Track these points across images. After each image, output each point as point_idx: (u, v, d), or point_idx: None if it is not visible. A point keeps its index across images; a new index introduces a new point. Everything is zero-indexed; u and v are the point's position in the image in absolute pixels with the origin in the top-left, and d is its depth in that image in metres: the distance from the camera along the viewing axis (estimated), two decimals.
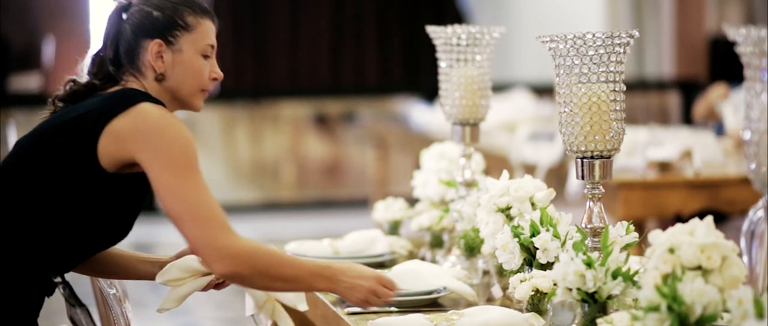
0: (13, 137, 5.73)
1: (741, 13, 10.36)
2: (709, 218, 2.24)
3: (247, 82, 12.96)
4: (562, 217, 2.73)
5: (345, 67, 13.21)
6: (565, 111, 2.56)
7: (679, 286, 2.06)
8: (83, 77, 2.75)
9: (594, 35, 2.51)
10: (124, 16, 2.71)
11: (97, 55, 2.73)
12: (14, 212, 2.59)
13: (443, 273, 2.88)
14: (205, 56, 2.74)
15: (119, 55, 2.71)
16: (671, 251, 2.20)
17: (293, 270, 2.57)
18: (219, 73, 2.77)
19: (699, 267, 2.19)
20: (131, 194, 2.65)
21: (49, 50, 12.35)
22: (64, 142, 2.59)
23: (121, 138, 2.56)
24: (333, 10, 13.09)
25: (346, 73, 13.21)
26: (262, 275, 2.54)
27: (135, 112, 2.57)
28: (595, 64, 2.52)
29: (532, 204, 2.86)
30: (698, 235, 2.21)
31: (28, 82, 12.28)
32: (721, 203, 4.87)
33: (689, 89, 9.90)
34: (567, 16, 11.82)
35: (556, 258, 2.60)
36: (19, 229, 2.58)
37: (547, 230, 2.69)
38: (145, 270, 2.86)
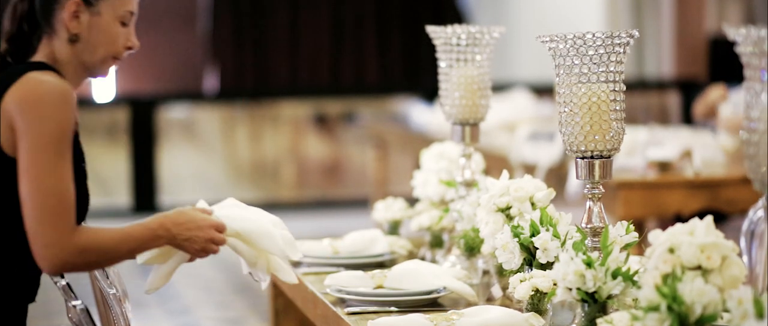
0: None
1: (741, 13, 10.37)
2: (709, 218, 2.24)
3: (247, 82, 12.97)
4: (561, 217, 2.73)
5: (345, 67, 13.21)
6: (565, 111, 2.56)
7: (679, 286, 2.06)
8: None
9: (594, 35, 2.51)
10: None
11: (12, 6, 2.60)
12: None
13: (443, 273, 2.88)
14: (123, 24, 2.61)
15: (34, 9, 2.58)
16: (671, 251, 2.20)
17: (129, 244, 2.48)
18: (135, 43, 2.64)
19: (699, 267, 2.19)
20: None
21: None
22: None
23: (8, 116, 2.44)
24: (333, 10, 13.10)
25: (346, 74, 13.22)
26: (96, 264, 2.52)
27: (19, 83, 2.46)
28: (595, 64, 2.52)
29: (532, 204, 2.86)
30: (698, 235, 2.21)
31: None
32: (721, 203, 4.87)
33: (689, 89, 9.90)
34: (567, 16, 11.82)
35: (556, 257, 2.60)
36: None
37: (547, 230, 2.69)
38: None
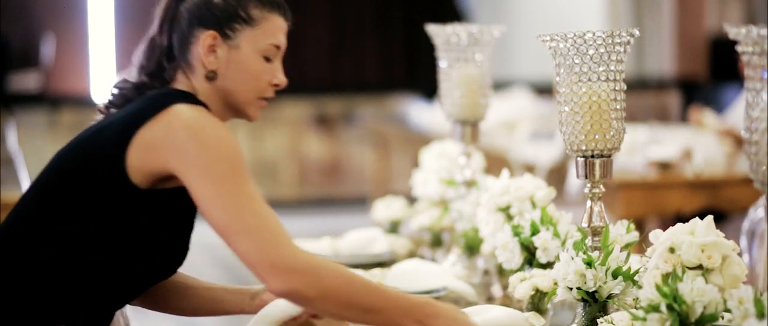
0: (12, 137, 5.73)
1: (741, 12, 10.36)
2: (710, 218, 2.24)
3: None
4: (562, 216, 2.73)
5: (345, 66, 13.21)
6: (565, 110, 2.55)
7: (680, 286, 2.06)
8: (133, 74, 2.41)
9: (594, 34, 2.50)
10: None
11: (150, 41, 2.41)
12: (53, 237, 2.28)
13: (443, 273, 2.88)
14: (267, 58, 2.39)
15: (172, 44, 2.39)
16: (672, 250, 2.20)
17: (372, 297, 2.21)
18: (281, 79, 2.41)
19: (699, 267, 2.19)
20: (174, 213, 2.33)
21: (48, 49, 12.35)
22: (92, 155, 2.29)
23: (151, 147, 2.24)
24: (333, 10, 13.10)
25: (346, 72, 13.21)
26: (330, 298, 2.19)
27: (166, 115, 2.25)
28: (595, 63, 2.51)
29: (533, 203, 2.86)
30: (698, 234, 2.21)
31: (27, 81, 12.28)
32: (722, 203, 4.87)
33: (690, 88, 9.90)
34: (567, 14, 11.82)
35: (557, 257, 2.60)
36: (59, 257, 2.27)
37: (548, 229, 2.69)
38: (235, 301, 2.53)
